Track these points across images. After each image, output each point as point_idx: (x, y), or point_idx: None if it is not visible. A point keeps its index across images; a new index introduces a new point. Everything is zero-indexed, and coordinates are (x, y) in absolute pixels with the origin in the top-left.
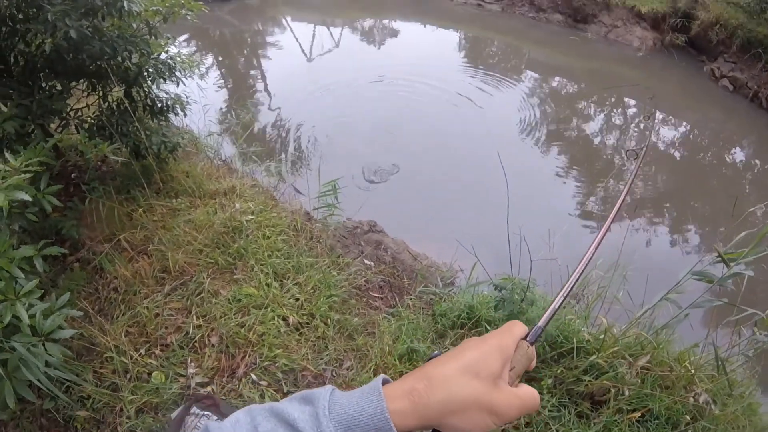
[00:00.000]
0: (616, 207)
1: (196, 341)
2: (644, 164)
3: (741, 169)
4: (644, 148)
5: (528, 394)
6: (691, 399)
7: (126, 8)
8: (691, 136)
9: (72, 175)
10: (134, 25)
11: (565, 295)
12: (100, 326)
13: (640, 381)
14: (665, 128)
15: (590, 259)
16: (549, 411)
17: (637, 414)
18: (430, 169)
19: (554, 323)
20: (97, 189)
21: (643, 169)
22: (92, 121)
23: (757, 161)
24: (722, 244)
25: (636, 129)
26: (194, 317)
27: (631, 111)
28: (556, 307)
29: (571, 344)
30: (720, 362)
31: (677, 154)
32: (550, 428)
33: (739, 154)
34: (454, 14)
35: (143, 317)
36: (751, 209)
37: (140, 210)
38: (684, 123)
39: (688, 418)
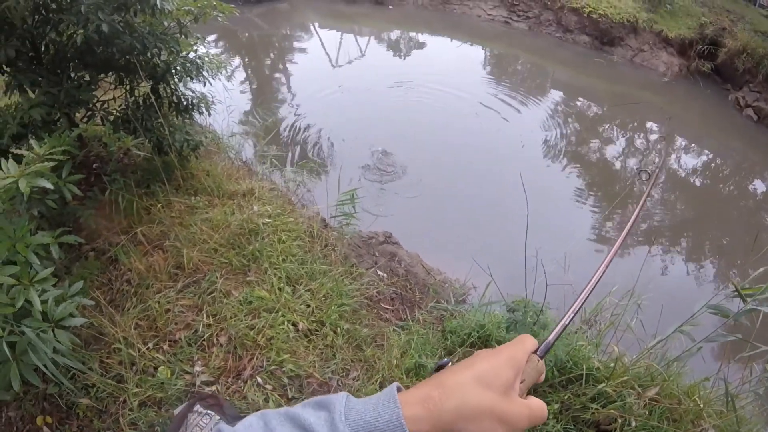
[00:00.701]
0: (629, 225)
1: (204, 340)
2: (664, 191)
3: (762, 200)
4: (656, 170)
5: (537, 405)
6: None
7: (159, 6)
8: (712, 165)
9: (94, 165)
10: (165, 23)
11: (575, 311)
12: (110, 317)
13: (647, 412)
14: (687, 155)
15: (601, 276)
16: None
17: None
18: (450, 183)
19: (565, 348)
20: (117, 181)
21: (663, 197)
22: (118, 114)
23: None
24: (739, 278)
25: (656, 153)
26: (205, 316)
27: (654, 136)
28: (566, 323)
29: (581, 370)
30: (730, 398)
31: (698, 182)
32: None
33: (760, 186)
34: (481, 30)
35: (154, 311)
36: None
37: (159, 205)
38: (706, 151)
39: None
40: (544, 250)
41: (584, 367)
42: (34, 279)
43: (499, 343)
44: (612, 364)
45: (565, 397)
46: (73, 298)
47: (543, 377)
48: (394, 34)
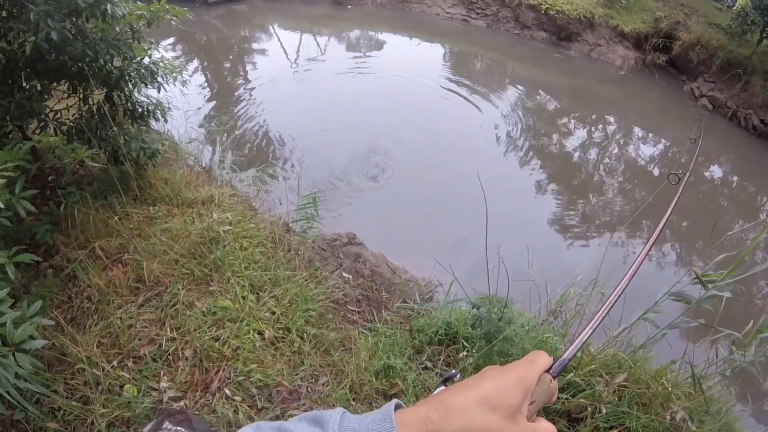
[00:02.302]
0: (657, 230)
1: (169, 354)
2: (623, 181)
3: (719, 185)
4: (687, 174)
5: (545, 429)
6: (668, 417)
7: (110, 11)
8: (669, 154)
9: (49, 179)
10: (117, 29)
11: (594, 326)
12: (72, 336)
13: (617, 399)
14: (645, 146)
15: (624, 289)
16: None
17: (616, 431)
18: (411, 182)
19: (531, 341)
20: (73, 194)
21: (623, 186)
22: (71, 124)
23: (734, 178)
24: (701, 262)
25: (616, 145)
26: (168, 329)
27: (611, 128)
28: (584, 339)
29: None
30: (697, 380)
31: (656, 171)
32: None
33: (717, 171)
34: (440, 28)
35: (116, 328)
36: (729, 233)
37: (116, 217)
38: (663, 140)
39: None
40: (509, 243)
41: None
42: None
43: (467, 340)
44: (579, 353)
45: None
46: (32, 319)
47: (555, 398)
48: (354, 34)
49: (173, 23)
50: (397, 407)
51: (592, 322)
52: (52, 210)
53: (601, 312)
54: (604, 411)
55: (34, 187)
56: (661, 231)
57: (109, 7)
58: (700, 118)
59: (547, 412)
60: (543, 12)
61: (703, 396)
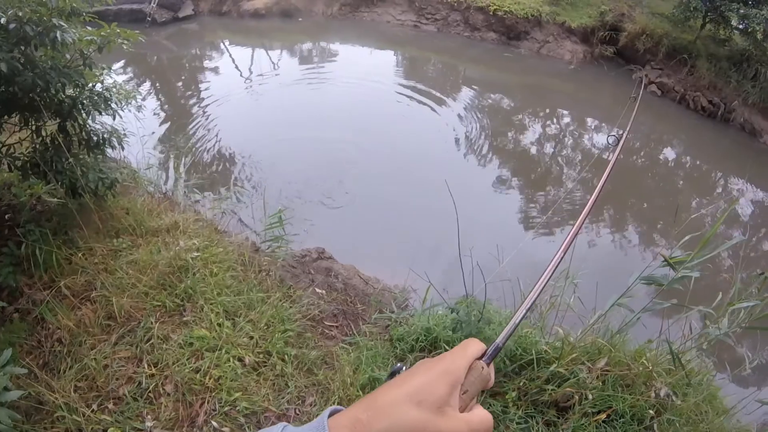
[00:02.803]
0: (594, 195)
1: (150, 391)
2: (583, 171)
3: (673, 166)
4: (625, 132)
5: (479, 418)
6: (653, 394)
7: (59, 38)
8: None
9: (6, 216)
10: (68, 56)
11: (525, 311)
12: (46, 383)
13: (601, 383)
14: (597, 135)
15: (554, 270)
16: (517, 423)
17: (603, 415)
18: (375, 190)
19: (512, 338)
20: (33, 232)
21: (582, 175)
22: (25, 159)
23: (687, 158)
24: (664, 242)
25: (571, 137)
26: (146, 365)
27: (565, 120)
28: (516, 323)
29: (530, 356)
30: (675, 356)
31: (612, 158)
32: None
33: (670, 153)
34: (392, 35)
35: (92, 369)
36: (693, 215)
37: (80, 253)
38: (616, 128)
39: (652, 412)
40: (478, 244)
41: (533, 351)
42: None
43: (448, 344)
44: (559, 344)
45: (521, 384)
46: (4, 369)
47: (492, 383)
48: (306, 46)
49: (124, 47)
50: (334, 412)
51: (522, 306)
52: (12, 251)
53: (532, 294)
54: (590, 397)
55: None
56: (597, 196)
57: (58, 34)
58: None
59: (535, 405)
60: (491, 13)
61: (684, 370)
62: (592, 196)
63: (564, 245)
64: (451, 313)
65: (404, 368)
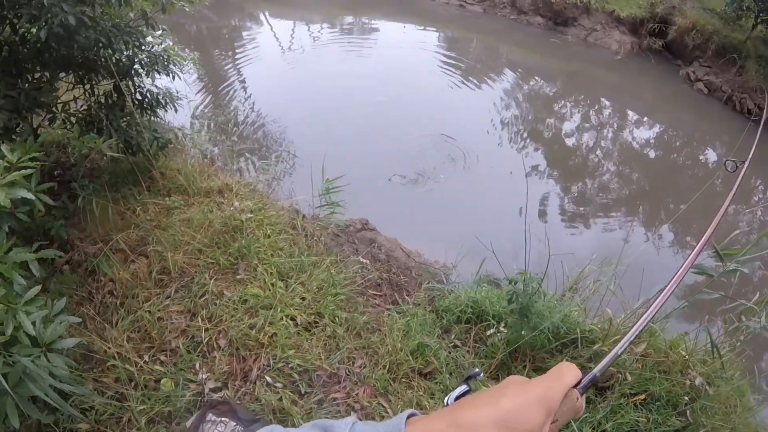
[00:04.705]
0: (716, 219)
1: (204, 345)
2: (620, 164)
3: (714, 168)
4: (747, 162)
5: None
6: (688, 382)
7: None
8: (665, 137)
9: (55, 173)
10: (131, 15)
11: (630, 338)
12: (98, 332)
13: (640, 367)
14: (640, 129)
15: (665, 299)
16: None
17: (641, 396)
18: (420, 170)
19: (559, 314)
20: (86, 187)
21: (619, 169)
22: (81, 116)
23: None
24: (694, 243)
25: (611, 128)
26: (200, 320)
27: (607, 111)
28: (618, 353)
29: (574, 335)
30: (714, 345)
31: (652, 154)
32: None
33: (711, 155)
34: (436, 14)
35: (145, 321)
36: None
37: (136, 208)
38: (658, 124)
39: (686, 399)
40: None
41: (578, 330)
42: (23, 302)
43: (494, 316)
44: (605, 326)
45: (563, 361)
46: (58, 317)
47: (580, 414)
48: (347, 21)
49: (186, 9)
50: (411, 415)
51: (633, 330)
52: (65, 205)
53: (638, 324)
54: (629, 378)
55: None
56: (718, 222)
57: None
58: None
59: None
60: None
61: (721, 360)
62: (715, 220)
63: (682, 270)
64: (510, 284)
65: (481, 374)
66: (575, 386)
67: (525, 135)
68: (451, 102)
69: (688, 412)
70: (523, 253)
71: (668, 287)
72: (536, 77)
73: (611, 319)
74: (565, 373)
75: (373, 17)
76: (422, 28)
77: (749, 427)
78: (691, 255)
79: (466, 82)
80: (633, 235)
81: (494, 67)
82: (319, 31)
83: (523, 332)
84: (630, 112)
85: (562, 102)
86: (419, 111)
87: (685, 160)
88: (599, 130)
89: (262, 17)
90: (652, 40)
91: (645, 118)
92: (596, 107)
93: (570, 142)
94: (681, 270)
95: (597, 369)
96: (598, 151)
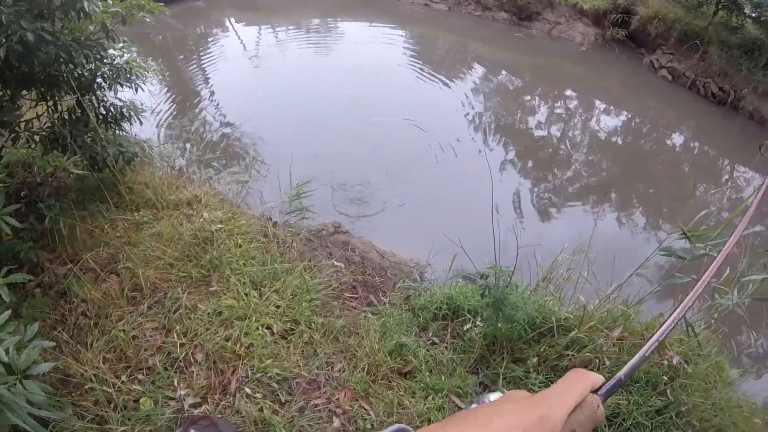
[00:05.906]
0: (749, 213)
1: (180, 360)
2: (588, 154)
3: (680, 152)
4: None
5: None
6: (666, 362)
7: (86, 8)
8: (632, 124)
9: (21, 194)
10: (91, 28)
11: (657, 341)
12: (73, 355)
13: (617, 350)
14: (607, 117)
15: (693, 302)
16: (538, 387)
17: None
18: (391, 171)
19: (533, 305)
20: (53, 207)
21: (588, 158)
22: (45, 133)
23: (695, 144)
24: (671, 229)
25: (579, 118)
26: (175, 335)
27: (573, 103)
28: (645, 355)
29: (550, 323)
30: (689, 324)
31: (620, 141)
32: None
33: (678, 139)
34: (402, 14)
35: (120, 340)
36: (711, 191)
37: (103, 226)
38: (625, 112)
39: (665, 378)
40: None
41: (553, 319)
42: None
43: (470, 312)
44: (580, 313)
45: (541, 350)
46: (32, 342)
47: (600, 422)
48: (314, 24)
49: (147, 20)
50: (401, 431)
51: (657, 334)
52: (33, 226)
53: (667, 323)
54: (607, 362)
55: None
56: (751, 216)
57: (85, 4)
58: None
59: (555, 370)
60: None
61: (696, 338)
62: (742, 221)
63: (710, 271)
64: (481, 278)
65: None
66: (595, 392)
67: (494, 128)
68: (419, 96)
69: (668, 391)
70: (494, 246)
71: (699, 284)
72: (503, 71)
73: (584, 306)
74: (578, 382)
75: (341, 18)
76: (389, 27)
77: (730, 401)
78: (723, 250)
79: (432, 79)
80: (604, 221)
81: (463, 62)
82: (285, 34)
83: (499, 325)
84: (597, 102)
85: (530, 95)
86: (388, 104)
87: (652, 145)
88: (567, 122)
89: (228, 23)
90: (615, 30)
91: (612, 107)
92: (564, 99)
93: (539, 133)
94: (712, 267)
95: (622, 372)
96: (567, 142)
